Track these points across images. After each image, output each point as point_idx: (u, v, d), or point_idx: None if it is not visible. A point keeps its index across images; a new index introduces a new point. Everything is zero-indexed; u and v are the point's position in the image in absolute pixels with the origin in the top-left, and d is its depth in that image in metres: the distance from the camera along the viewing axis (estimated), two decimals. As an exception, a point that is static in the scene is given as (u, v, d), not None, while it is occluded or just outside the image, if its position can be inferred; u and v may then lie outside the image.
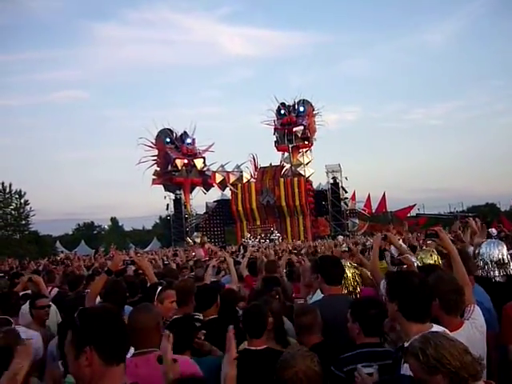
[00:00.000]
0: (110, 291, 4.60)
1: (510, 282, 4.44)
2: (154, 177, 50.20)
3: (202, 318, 4.36)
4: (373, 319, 3.28)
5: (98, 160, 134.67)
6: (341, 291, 4.38)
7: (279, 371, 2.63)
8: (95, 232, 77.77)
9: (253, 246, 24.90)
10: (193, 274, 7.96)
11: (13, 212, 54.29)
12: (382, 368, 2.91)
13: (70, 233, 74.61)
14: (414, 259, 4.72)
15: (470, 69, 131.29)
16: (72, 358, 2.04)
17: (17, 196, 54.07)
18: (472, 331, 3.15)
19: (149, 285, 5.30)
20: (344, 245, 14.29)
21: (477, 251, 4.61)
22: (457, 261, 3.75)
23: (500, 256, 4.51)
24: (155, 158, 49.95)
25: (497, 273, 4.45)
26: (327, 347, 3.45)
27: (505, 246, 4.73)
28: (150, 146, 49.62)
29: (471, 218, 8.16)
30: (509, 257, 4.57)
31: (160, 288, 4.56)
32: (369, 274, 5.18)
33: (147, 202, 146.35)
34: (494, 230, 11.68)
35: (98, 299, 4.67)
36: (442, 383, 2.08)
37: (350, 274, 4.73)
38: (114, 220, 78.10)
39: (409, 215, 44.82)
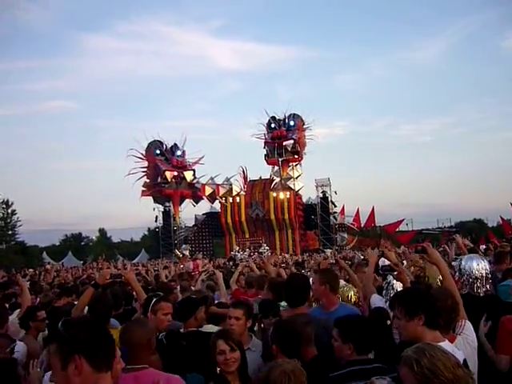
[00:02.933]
0: (96, 304, 4.56)
1: (489, 297, 4.48)
2: (144, 188, 50.04)
3: (182, 330, 4.37)
4: (368, 338, 3.26)
5: (87, 170, 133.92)
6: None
7: (267, 373, 2.62)
8: (83, 243, 77.19)
9: (241, 260, 24.85)
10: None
11: (-1, 222, 53.82)
12: None
13: (57, 243, 73.95)
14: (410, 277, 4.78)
15: (461, 85, 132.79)
16: (59, 370, 2.00)
17: (4, 206, 53.67)
18: (464, 346, 3.19)
19: (145, 297, 5.24)
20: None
21: (456, 265, 4.61)
22: (447, 277, 3.85)
23: (482, 272, 4.53)
24: (145, 169, 49.84)
25: (480, 288, 4.45)
26: (324, 361, 3.40)
27: (486, 261, 4.75)
28: (140, 158, 49.56)
29: (457, 235, 8.22)
30: (487, 274, 4.59)
31: (155, 299, 4.51)
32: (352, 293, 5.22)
33: (136, 214, 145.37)
34: (482, 246, 11.76)
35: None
36: None
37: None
38: (102, 231, 77.55)
39: (397, 230, 45.06)
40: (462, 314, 3.52)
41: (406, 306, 2.96)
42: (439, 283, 4.57)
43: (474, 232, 40.73)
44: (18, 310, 5.96)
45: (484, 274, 4.46)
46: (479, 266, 4.47)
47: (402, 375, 2.22)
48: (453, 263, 4.52)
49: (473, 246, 9.15)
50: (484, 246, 12.12)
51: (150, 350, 3.19)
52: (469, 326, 3.46)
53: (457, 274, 4.46)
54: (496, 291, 5.13)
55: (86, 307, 4.64)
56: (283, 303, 4.82)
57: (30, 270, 21.83)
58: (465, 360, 2.83)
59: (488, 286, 4.49)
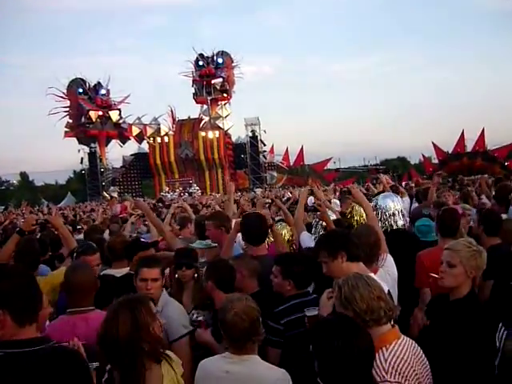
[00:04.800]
0: (22, 251, 4.42)
1: (401, 232, 4.79)
2: (67, 129, 48.05)
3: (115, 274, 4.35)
4: (304, 274, 3.45)
5: (2, 110, 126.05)
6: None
7: (221, 316, 2.73)
8: (3, 187, 73.72)
9: (171, 200, 24.69)
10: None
11: None
12: None
13: (-25, 189, 70.34)
14: (333, 216, 4.97)
15: (389, 24, 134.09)
16: None
17: None
18: (385, 277, 3.44)
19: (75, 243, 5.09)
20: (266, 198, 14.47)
21: (373, 204, 4.88)
22: (370, 215, 4.17)
23: (397, 207, 4.83)
24: (67, 109, 47.63)
25: (393, 223, 4.76)
26: (264, 296, 3.49)
27: (399, 198, 5.13)
28: (61, 97, 47.20)
29: (381, 174, 8.56)
30: (401, 209, 4.92)
31: (75, 254, 4.40)
32: (285, 231, 5.33)
33: (59, 156, 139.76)
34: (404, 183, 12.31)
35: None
36: None
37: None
38: (23, 175, 74.24)
39: (325, 168, 46.26)
40: (384, 248, 3.78)
41: (327, 248, 3.09)
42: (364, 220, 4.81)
43: (397, 169, 42.52)
44: None
45: (399, 210, 4.82)
46: (393, 203, 4.83)
47: (334, 297, 2.47)
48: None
49: (394, 184, 9.60)
50: (404, 183, 12.71)
51: (94, 292, 3.24)
52: (390, 259, 3.77)
53: (374, 212, 4.71)
54: (414, 228, 5.47)
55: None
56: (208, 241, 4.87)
57: None
58: (389, 291, 3.01)
59: (403, 221, 4.85)
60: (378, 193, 6.93)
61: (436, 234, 4.53)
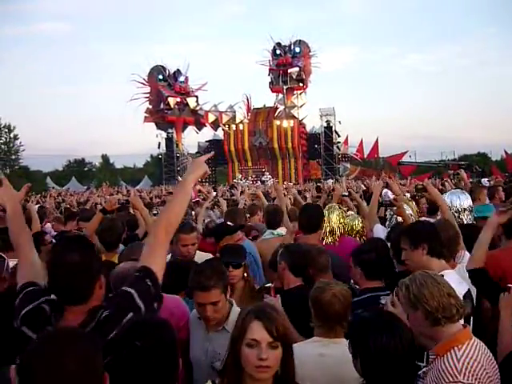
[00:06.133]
0: (106, 229, 4.64)
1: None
2: (146, 114, 49.57)
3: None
4: (373, 263, 3.42)
5: (88, 95, 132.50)
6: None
7: (316, 296, 2.77)
8: (86, 169, 77.39)
9: (242, 187, 24.96)
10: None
11: (2, 146, 53.83)
12: None
13: (61, 169, 74.23)
14: (409, 210, 4.89)
15: (469, 15, 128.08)
16: None
17: (6, 130, 53.51)
18: (464, 274, 3.38)
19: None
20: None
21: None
22: (447, 211, 4.14)
23: (466, 204, 4.79)
24: (147, 95, 49.17)
25: (465, 219, 4.74)
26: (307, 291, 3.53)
27: (468, 196, 5.06)
28: (142, 83, 48.75)
29: (462, 170, 8.32)
30: (469, 206, 4.86)
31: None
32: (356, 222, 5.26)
33: (138, 140, 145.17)
34: (485, 180, 11.83)
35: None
36: (421, 319, 2.26)
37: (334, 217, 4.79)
38: (105, 157, 77.46)
39: (400, 162, 45.00)
40: (462, 245, 3.77)
41: (410, 237, 3.08)
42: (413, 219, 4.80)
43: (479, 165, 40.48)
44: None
45: (467, 207, 4.82)
46: (460, 200, 4.82)
47: (400, 298, 2.44)
48: None
49: (474, 181, 9.26)
50: (486, 180, 12.19)
51: None
52: (467, 255, 3.67)
53: None
54: None
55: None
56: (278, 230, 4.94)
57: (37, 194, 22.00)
58: (469, 290, 2.98)
59: (471, 217, 4.83)
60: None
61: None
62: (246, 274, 3.64)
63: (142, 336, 1.89)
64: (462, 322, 2.37)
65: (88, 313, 2.06)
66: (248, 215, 6.97)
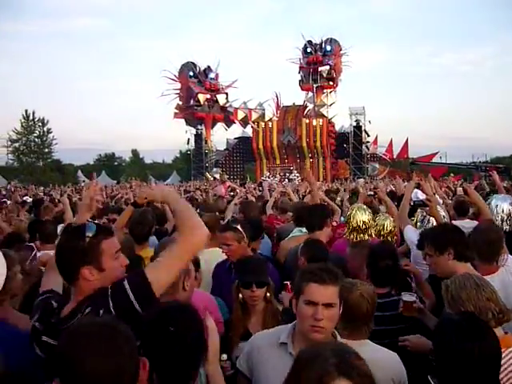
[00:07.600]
0: (137, 221, 4.67)
1: None
2: (176, 110, 49.93)
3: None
4: (383, 271, 3.41)
5: (119, 90, 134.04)
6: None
7: (346, 297, 2.65)
8: (116, 163, 78.47)
9: (271, 185, 24.97)
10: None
11: (36, 139, 54.92)
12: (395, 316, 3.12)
13: (91, 163, 75.38)
14: (442, 212, 4.81)
15: (506, 15, 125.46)
16: None
17: (40, 124, 54.57)
18: (506, 276, 3.35)
19: None
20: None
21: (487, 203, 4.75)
22: (487, 213, 4.06)
23: (509, 211, 4.64)
24: (178, 91, 49.54)
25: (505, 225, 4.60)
26: None
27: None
28: (173, 79, 49.14)
29: (495, 172, 8.14)
30: None
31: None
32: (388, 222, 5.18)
33: (168, 136, 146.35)
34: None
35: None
36: None
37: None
38: (134, 152, 78.47)
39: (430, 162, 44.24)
40: (505, 249, 3.66)
41: (435, 243, 3.02)
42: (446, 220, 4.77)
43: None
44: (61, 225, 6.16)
45: (510, 213, 4.66)
46: (506, 204, 4.65)
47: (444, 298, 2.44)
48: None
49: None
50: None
51: None
52: (511, 258, 3.64)
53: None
54: None
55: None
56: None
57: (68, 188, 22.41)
58: None
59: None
60: (490, 192, 6.60)
61: None
62: (268, 294, 3.09)
63: (174, 321, 1.98)
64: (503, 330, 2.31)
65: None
66: (279, 212, 7.00)
